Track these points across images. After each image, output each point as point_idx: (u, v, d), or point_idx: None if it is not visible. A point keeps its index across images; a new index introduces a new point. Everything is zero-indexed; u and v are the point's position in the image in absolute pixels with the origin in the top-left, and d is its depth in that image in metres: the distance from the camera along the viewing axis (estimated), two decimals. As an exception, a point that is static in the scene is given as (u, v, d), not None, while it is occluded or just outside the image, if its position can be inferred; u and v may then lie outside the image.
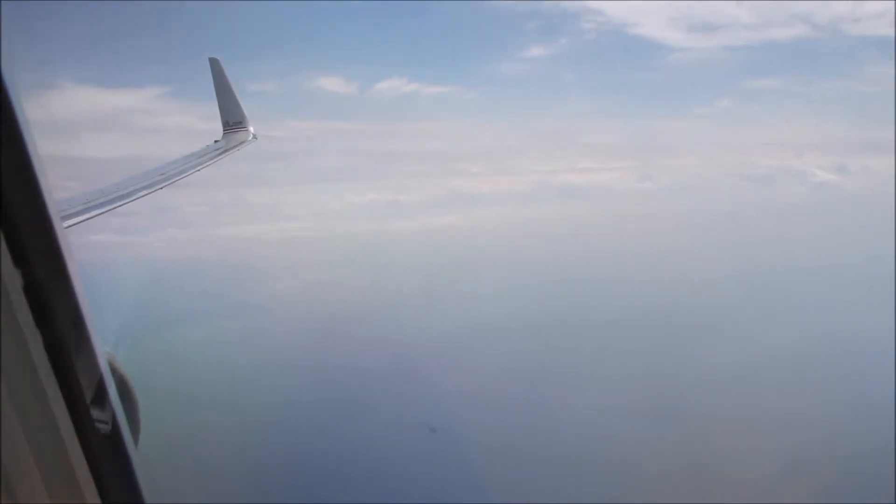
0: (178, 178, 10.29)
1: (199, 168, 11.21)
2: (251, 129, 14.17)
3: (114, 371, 2.14)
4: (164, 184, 9.68)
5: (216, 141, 13.47)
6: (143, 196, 8.95)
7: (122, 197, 8.36)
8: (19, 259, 1.56)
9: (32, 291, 1.58)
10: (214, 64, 14.16)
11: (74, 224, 6.84)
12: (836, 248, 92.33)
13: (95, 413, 1.84)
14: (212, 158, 11.99)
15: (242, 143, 13.54)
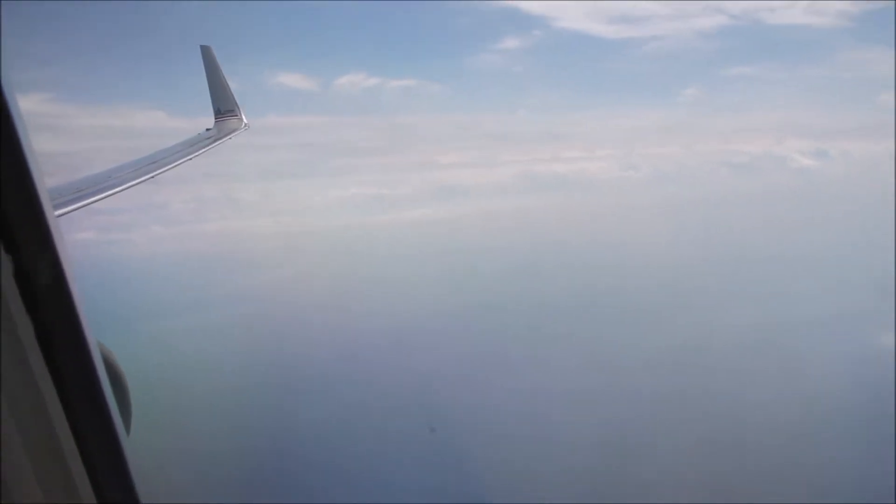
0: (170, 166, 10.21)
1: (191, 156, 11.12)
2: (243, 116, 14.02)
3: (105, 359, 2.12)
4: (156, 172, 9.60)
5: (208, 129, 13.36)
6: (136, 184, 8.87)
7: (114, 185, 8.29)
8: (10, 245, 1.55)
9: (24, 278, 1.57)
10: (206, 51, 14.03)
11: (68, 212, 6.79)
12: (819, 233, 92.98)
13: (88, 404, 1.83)
14: (204, 147, 11.90)
15: (235, 131, 13.40)
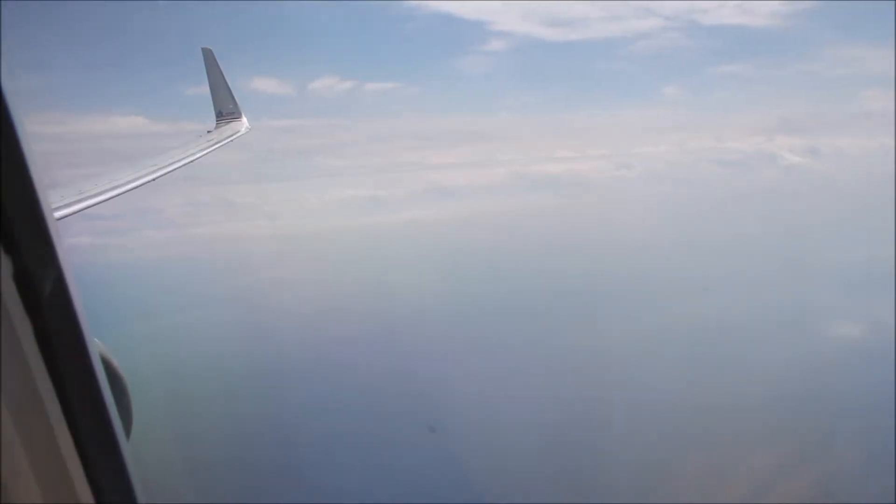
0: (172, 168, 10.22)
1: (193, 159, 11.14)
2: (245, 119, 14.05)
3: (104, 361, 2.13)
4: (157, 174, 9.61)
5: (209, 131, 13.37)
6: (139, 186, 8.90)
7: (117, 187, 8.31)
8: (10, 246, 1.56)
9: (23, 279, 1.58)
10: (207, 54, 14.06)
11: (70, 214, 6.80)
12: (813, 229, 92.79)
13: (87, 405, 1.83)
14: (206, 149, 11.92)
15: (236, 133, 13.43)
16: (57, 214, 5.98)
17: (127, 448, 1.97)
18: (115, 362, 3.12)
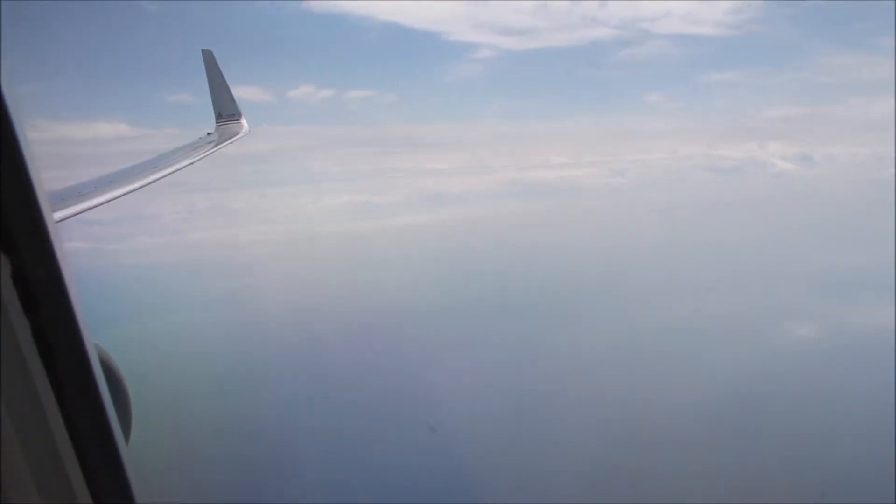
0: (172, 170, 10.18)
1: (193, 161, 11.09)
2: (244, 121, 13.98)
3: (103, 362, 2.12)
4: (157, 176, 9.58)
5: (209, 133, 13.31)
6: (139, 188, 8.87)
7: (115, 189, 8.28)
8: (8, 247, 1.56)
9: (21, 279, 1.57)
10: (207, 56, 14.00)
11: (69, 216, 6.78)
12: (804, 236, 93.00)
13: (85, 405, 1.83)
14: (206, 151, 11.87)
15: (236, 135, 13.35)
16: (56, 216, 5.97)
17: (125, 449, 1.96)
18: (115, 363, 3.11)
